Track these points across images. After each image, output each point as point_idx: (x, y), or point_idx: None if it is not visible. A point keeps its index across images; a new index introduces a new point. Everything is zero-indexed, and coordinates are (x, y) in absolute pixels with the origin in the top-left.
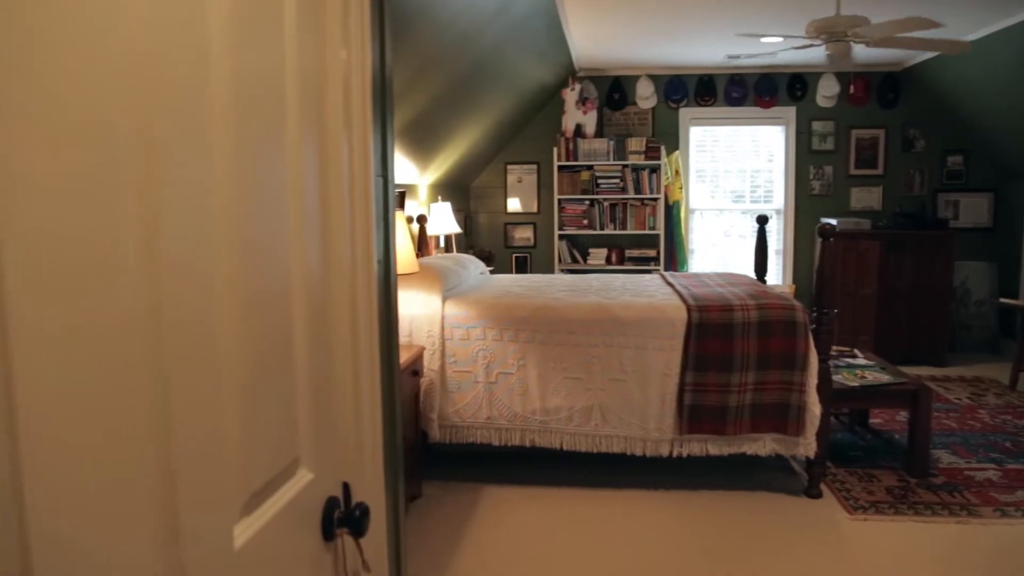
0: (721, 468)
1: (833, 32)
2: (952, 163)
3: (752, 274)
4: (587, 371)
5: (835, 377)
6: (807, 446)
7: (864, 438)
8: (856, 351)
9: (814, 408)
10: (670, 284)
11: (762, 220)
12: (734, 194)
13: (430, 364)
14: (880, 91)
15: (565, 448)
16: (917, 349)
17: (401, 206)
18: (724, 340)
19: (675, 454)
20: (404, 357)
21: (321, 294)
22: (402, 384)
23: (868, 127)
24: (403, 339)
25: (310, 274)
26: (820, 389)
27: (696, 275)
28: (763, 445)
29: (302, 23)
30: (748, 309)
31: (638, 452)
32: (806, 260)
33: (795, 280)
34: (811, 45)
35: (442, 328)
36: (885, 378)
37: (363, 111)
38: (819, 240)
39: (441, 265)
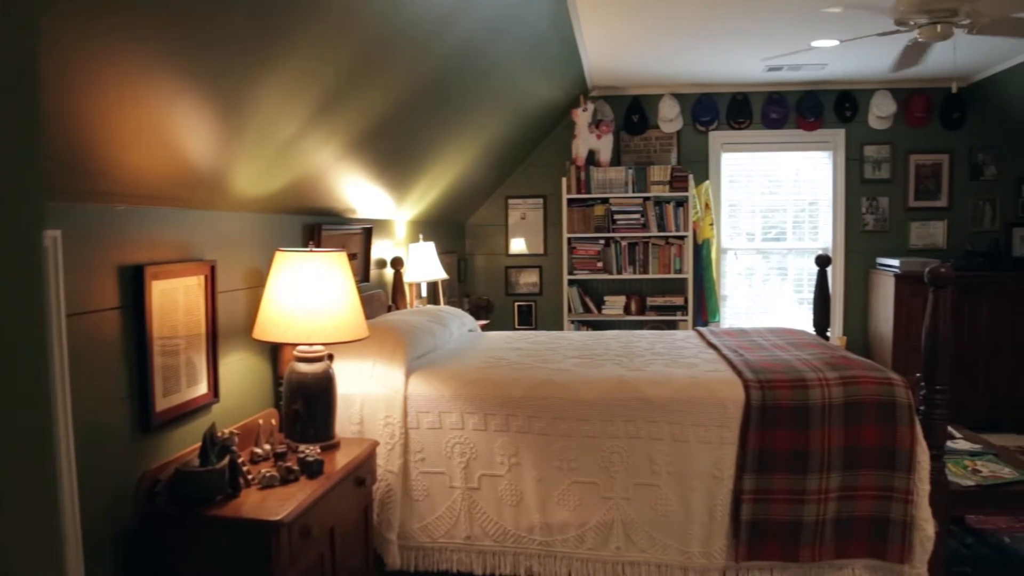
0: None
1: (936, 10)
2: None
3: (809, 327)
4: (605, 473)
5: None
6: None
7: (966, 543)
8: (953, 430)
9: (926, 525)
10: (713, 346)
11: (822, 261)
12: (773, 231)
13: (388, 464)
14: (944, 110)
15: None
16: (999, 414)
17: (366, 245)
18: (797, 430)
19: None
20: (347, 457)
21: None
22: (343, 500)
23: (930, 152)
24: (352, 428)
25: None
26: (933, 497)
27: (743, 332)
28: (852, 575)
29: None
30: (828, 384)
31: None
32: (857, 308)
33: (845, 331)
34: (891, 31)
35: (404, 413)
36: (1006, 471)
37: None
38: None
39: (407, 324)
